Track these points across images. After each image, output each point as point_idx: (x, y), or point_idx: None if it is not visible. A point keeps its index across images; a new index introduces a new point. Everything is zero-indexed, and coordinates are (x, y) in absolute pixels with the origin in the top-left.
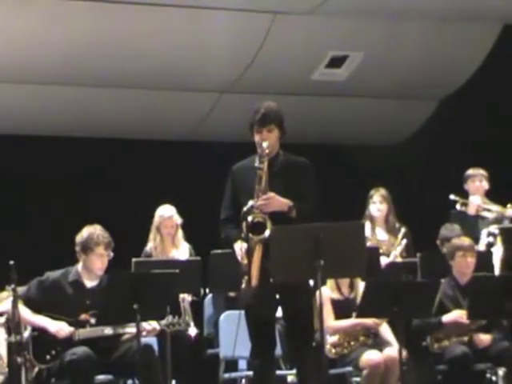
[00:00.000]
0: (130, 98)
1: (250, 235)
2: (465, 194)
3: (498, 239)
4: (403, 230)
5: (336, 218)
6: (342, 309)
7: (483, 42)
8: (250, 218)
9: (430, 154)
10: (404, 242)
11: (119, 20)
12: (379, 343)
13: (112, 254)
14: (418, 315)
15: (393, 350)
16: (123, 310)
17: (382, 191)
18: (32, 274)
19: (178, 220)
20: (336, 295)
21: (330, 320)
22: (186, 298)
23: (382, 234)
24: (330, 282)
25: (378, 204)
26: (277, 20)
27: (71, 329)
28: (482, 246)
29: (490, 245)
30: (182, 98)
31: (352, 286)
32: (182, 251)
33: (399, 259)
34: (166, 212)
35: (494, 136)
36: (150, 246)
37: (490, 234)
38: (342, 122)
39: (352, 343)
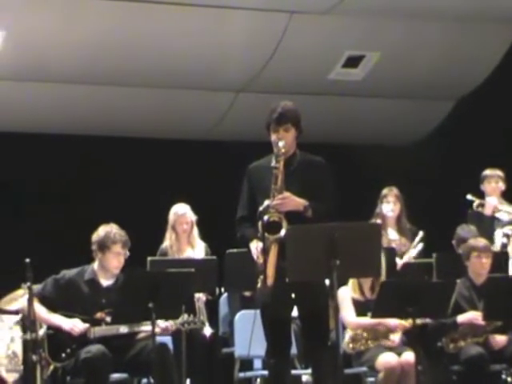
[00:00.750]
0: (146, 97)
1: (266, 234)
2: (482, 195)
3: (511, 240)
4: (421, 233)
5: (351, 218)
6: (362, 310)
7: (500, 42)
8: (265, 218)
9: (446, 154)
10: (420, 245)
11: (136, 19)
12: (396, 347)
13: (128, 253)
14: (434, 316)
15: (410, 354)
16: (138, 308)
17: (395, 191)
18: (48, 273)
19: (193, 217)
20: (357, 296)
21: (351, 316)
22: (201, 297)
23: (393, 234)
24: (353, 283)
25: (391, 204)
26: (293, 19)
27: (86, 325)
28: (497, 247)
29: (504, 246)
30: (199, 97)
31: (373, 288)
32: (197, 250)
33: (412, 261)
34: (180, 209)
35: (511, 136)
36: (165, 244)
37: (504, 235)
38: (359, 122)
39: (369, 342)
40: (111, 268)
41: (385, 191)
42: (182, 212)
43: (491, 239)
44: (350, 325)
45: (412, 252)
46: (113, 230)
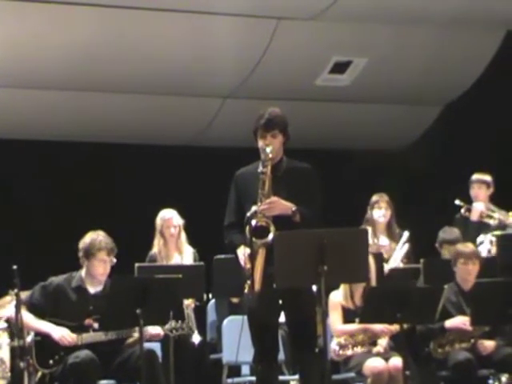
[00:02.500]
0: (134, 104)
1: (254, 239)
2: (471, 199)
3: (493, 245)
4: (406, 233)
5: (341, 223)
6: (352, 318)
7: (487, 47)
8: (253, 222)
9: (434, 159)
10: (406, 246)
11: (123, 25)
12: (384, 352)
13: (115, 261)
14: (422, 321)
15: (398, 359)
16: (126, 315)
17: (386, 197)
18: (36, 279)
19: (180, 221)
20: (348, 304)
21: (337, 324)
22: (189, 304)
23: (383, 240)
24: (345, 290)
25: (383, 210)
26: (281, 25)
27: (74, 337)
28: (483, 253)
29: (489, 251)
30: (187, 103)
31: None
32: (186, 255)
33: (400, 264)
34: (167, 214)
35: (499, 140)
36: (154, 250)
37: (490, 241)
38: (346, 128)
39: (355, 348)
40: (97, 275)
41: (375, 197)
42: (168, 216)
43: (477, 244)
44: (336, 332)
45: (398, 253)
46: (98, 237)
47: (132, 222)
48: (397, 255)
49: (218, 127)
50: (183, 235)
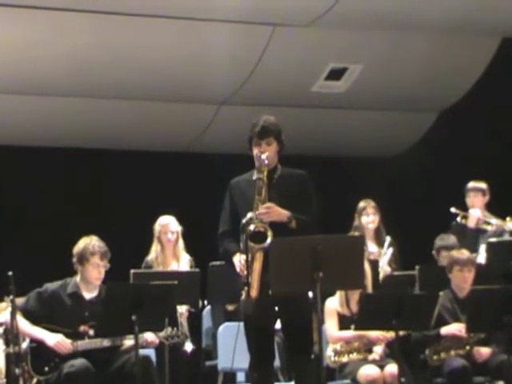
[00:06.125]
0: (129, 110)
1: (252, 244)
2: (466, 207)
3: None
4: (388, 238)
5: (336, 230)
6: (348, 324)
7: (482, 55)
8: (251, 227)
9: (429, 166)
10: (390, 251)
11: (119, 32)
12: (379, 360)
13: (109, 265)
14: (417, 328)
15: (393, 366)
16: (121, 321)
17: (372, 203)
18: (31, 286)
19: (178, 227)
20: (344, 310)
21: (333, 330)
22: (183, 313)
23: (372, 246)
24: (341, 297)
25: (371, 216)
26: (276, 32)
27: (70, 345)
28: (481, 260)
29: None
30: (181, 109)
31: None
32: (182, 262)
33: (388, 269)
34: (165, 220)
35: (494, 148)
36: (150, 256)
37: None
38: (341, 134)
39: (351, 355)
40: (92, 280)
41: (362, 204)
42: (166, 222)
43: (475, 251)
44: (332, 338)
45: (384, 258)
46: (92, 242)
47: (128, 228)
48: (383, 260)
49: (213, 134)
50: (181, 242)
